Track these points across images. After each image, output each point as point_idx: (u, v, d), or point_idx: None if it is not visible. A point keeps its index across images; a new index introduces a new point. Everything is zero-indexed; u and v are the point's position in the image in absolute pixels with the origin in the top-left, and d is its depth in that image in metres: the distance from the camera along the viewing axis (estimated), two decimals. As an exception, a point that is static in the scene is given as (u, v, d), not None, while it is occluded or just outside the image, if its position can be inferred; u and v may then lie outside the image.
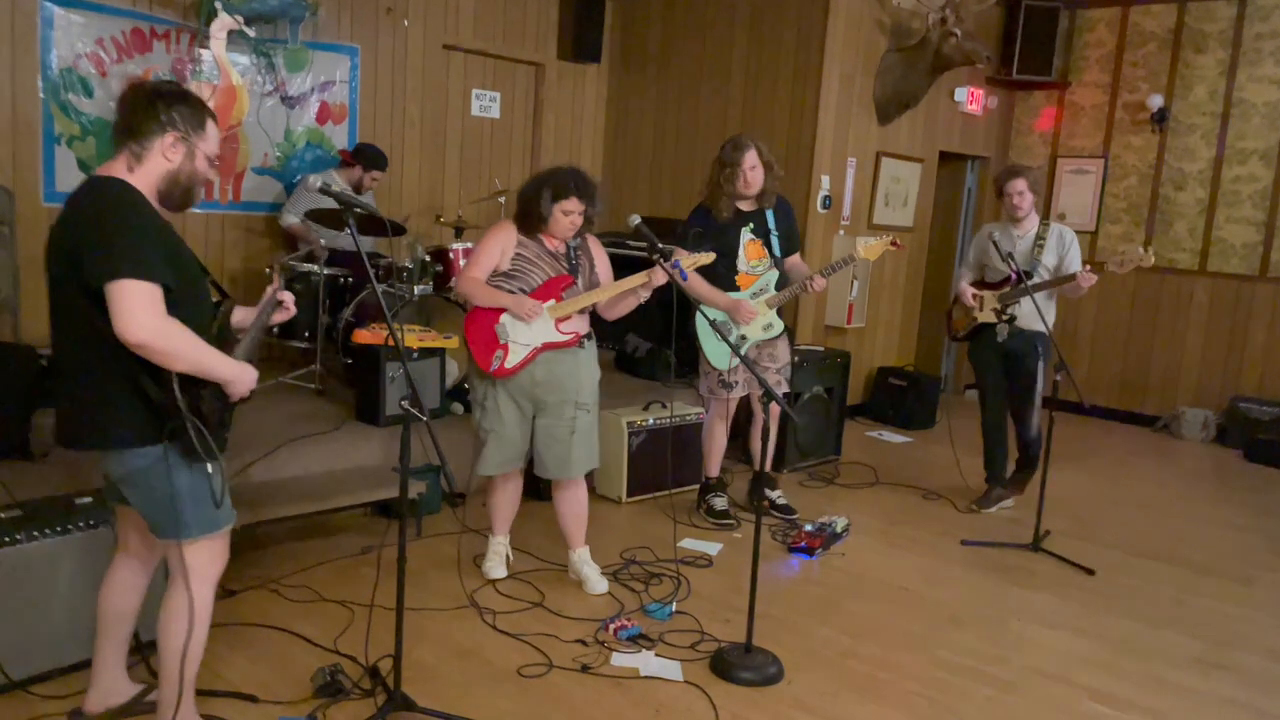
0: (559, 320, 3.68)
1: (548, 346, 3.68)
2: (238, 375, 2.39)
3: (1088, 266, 4.68)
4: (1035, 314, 4.75)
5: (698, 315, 4.53)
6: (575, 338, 3.73)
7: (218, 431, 2.40)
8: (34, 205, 5.10)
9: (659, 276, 3.62)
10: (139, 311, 2.17)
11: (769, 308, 4.58)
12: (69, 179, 5.20)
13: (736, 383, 4.66)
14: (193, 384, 2.30)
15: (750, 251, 4.57)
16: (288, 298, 2.66)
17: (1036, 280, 4.84)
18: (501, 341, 3.66)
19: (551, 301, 3.68)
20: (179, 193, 2.41)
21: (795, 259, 4.75)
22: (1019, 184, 4.93)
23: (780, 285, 4.63)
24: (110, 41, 5.24)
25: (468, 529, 4.41)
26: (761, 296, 4.58)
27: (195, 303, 2.40)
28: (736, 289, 4.56)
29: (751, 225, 4.56)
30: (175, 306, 2.26)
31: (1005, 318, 4.93)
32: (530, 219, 3.66)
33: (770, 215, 4.60)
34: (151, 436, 2.32)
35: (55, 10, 5.04)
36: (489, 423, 3.76)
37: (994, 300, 5.01)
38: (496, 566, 3.95)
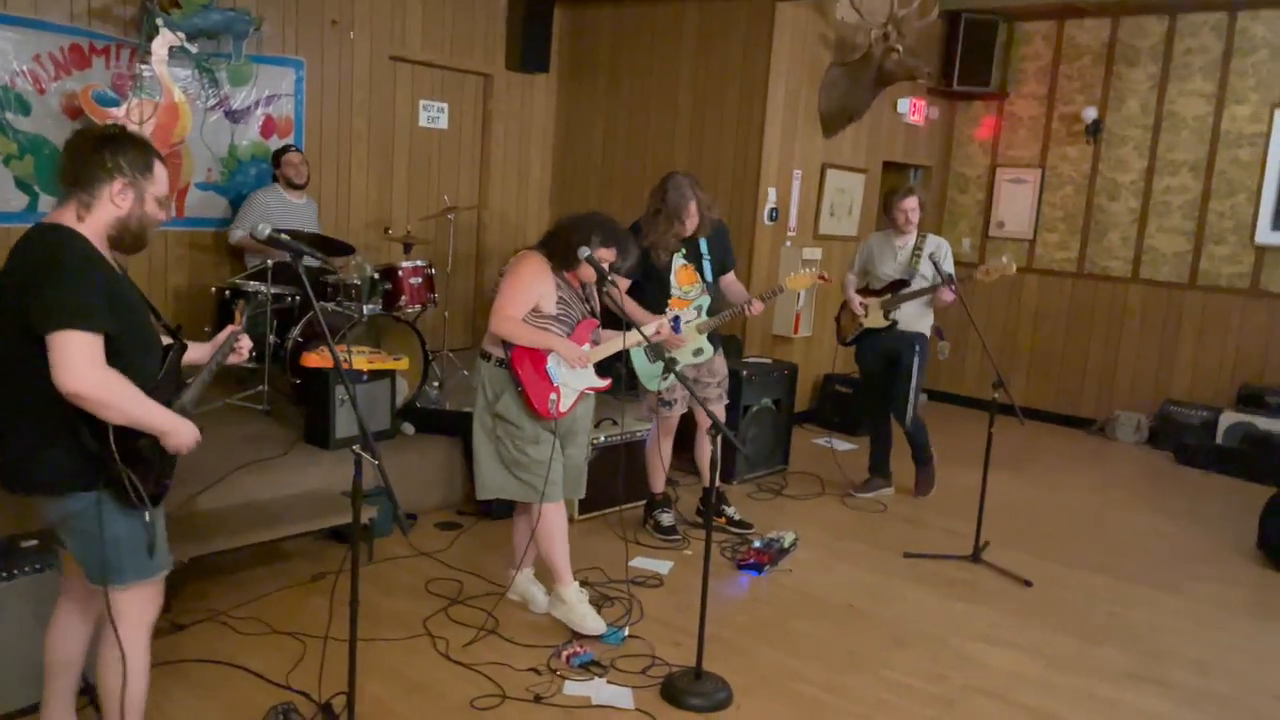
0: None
1: (590, 390, 3.80)
2: (175, 428, 2.39)
3: (954, 285, 5.20)
4: (914, 317, 5.48)
5: (628, 338, 4.60)
6: (610, 383, 3.87)
7: (158, 480, 2.41)
8: (-30, 226, 5.00)
9: (665, 331, 4.04)
10: (76, 361, 2.19)
11: (699, 333, 4.63)
12: (6, 199, 5.11)
13: (675, 400, 4.73)
14: (129, 434, 2.31)
15: (682, 277, 4.63)
16: (244, 344, 2.66)
17: (915, 287, 5.38)
18: (555, 384, 3.67)
19: (587, 346, 3.75)
20: (130, 237, 2.42)
21: (730, 278, 4.83)
22: (912, 202, 5.44)
23: (713, 308, 4.71)
24: (48, 58, 5.14)
25: (420, 553, 4.43)
26: (693, 322, 4.63)
27: (141, 349, 2.40)
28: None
29: (684, 251, 4.62)
30: (119, 355, 2.28)
31: (889, 321, 5.51)
32: (567, 257, 3.64)
33: (703, 241, 4.65)
34: (87, 482, 2.34)
35: (-10, 27, 4.94)
36: (543, 454, 3.69)
37: (878, 306, 5.53)
38: (595, 617, 3.80)
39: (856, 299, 5.60)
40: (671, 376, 4.58)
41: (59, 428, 2.29)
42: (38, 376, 2.22)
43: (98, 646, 2.51)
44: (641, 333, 3.67)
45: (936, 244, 5.49)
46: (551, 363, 3.66)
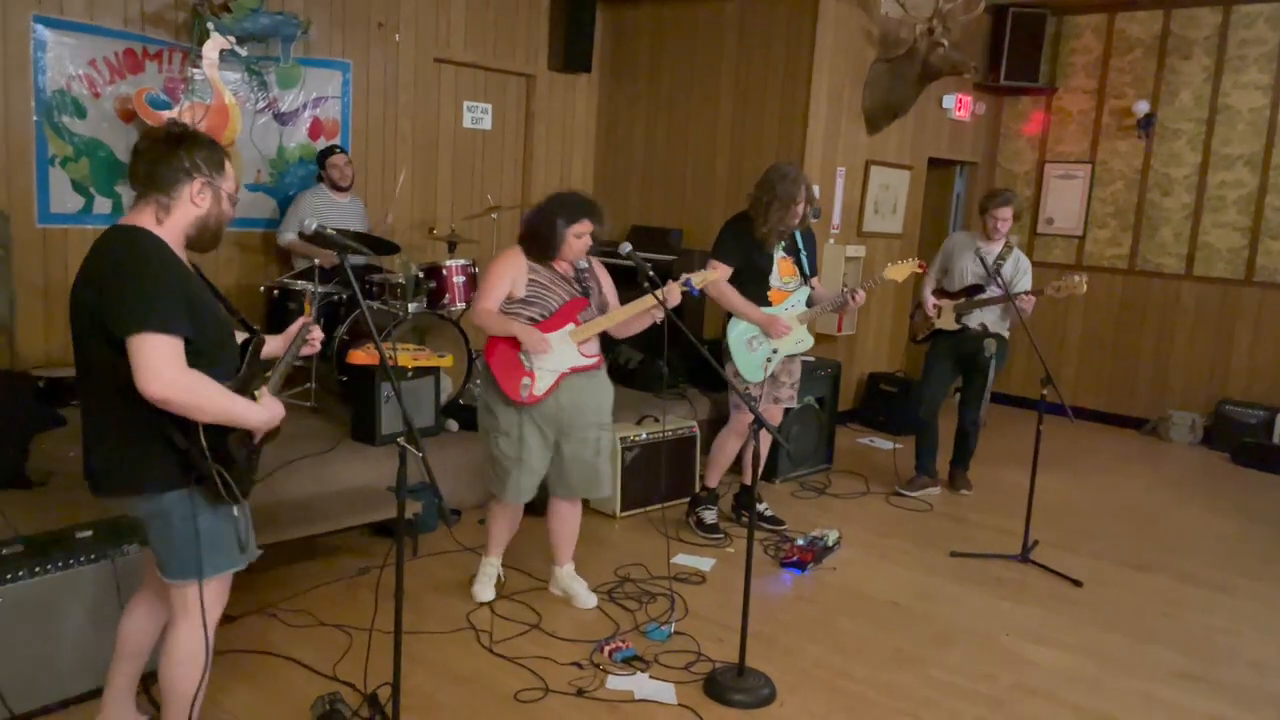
0: (580, 343, 3.74)
1: (574, 370, 3.74)
2: (263, 420, 2.42)
3: (1029, 295, 5.22)
4: (992, 321, 5.42)
5: (730, 328, 4.67)
6: (599, 360, 3.82)
7: (244, 474, 2.43)
8: (29, 227, 5.13)
9: (674, 296, 3.66)
10: (159, 366, 2.19)
11: (800, 323, 4.68)
12: (63, 200, 5.23)
13: (758, 397, 4.72)
14: (218, 430, 2.33)
15: (783, 269, 4.67)
16: (316, 335, 2.66)
17: (990, 294, 5.34)
18: (528, 368, 3.67)
19: (571, 326, 3.73)
20: (208, 236, 2.43)
21: (814, 281, 4.86)
22: (1007, 212, 5.35)
23: (809, 303, 4.75)
24: (103, 62, 5.26)
25: (464, 548, 4.45)
26: (794, 311, 4.67)
27: (221, 349, 2.41)
28: (769, 304, 4.64)
29: (783, 244, 4.66)
30: (199, 356, 2.28)
31: (959, 326, 5.47)
32: (543, 247, 3.68)
33: (799, 235, 4.70)
34: (178, 481, 2.36)
35: (47, 33, 5.05)
36: (514, 451, 3.73)
37: (951, 309, 5.48)
38: (486, 589, 3.99)
39: (931, 300, 5.57)
40: (771, 367, 4.66)
41: (147, 429, 2.31)
42: (123, 380, 2.23)
43: (166, 642, 2.53)
44: (657, 296, 3.61)
45: (1017, 259, 5.44)
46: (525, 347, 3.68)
